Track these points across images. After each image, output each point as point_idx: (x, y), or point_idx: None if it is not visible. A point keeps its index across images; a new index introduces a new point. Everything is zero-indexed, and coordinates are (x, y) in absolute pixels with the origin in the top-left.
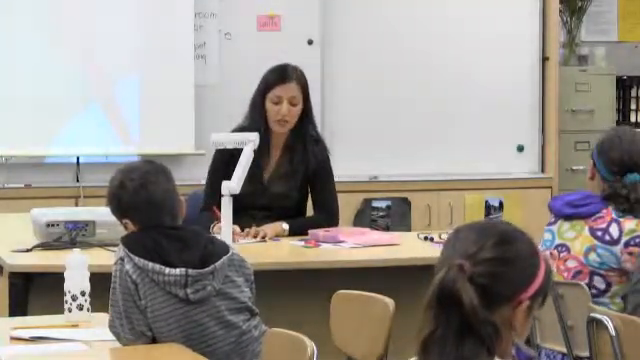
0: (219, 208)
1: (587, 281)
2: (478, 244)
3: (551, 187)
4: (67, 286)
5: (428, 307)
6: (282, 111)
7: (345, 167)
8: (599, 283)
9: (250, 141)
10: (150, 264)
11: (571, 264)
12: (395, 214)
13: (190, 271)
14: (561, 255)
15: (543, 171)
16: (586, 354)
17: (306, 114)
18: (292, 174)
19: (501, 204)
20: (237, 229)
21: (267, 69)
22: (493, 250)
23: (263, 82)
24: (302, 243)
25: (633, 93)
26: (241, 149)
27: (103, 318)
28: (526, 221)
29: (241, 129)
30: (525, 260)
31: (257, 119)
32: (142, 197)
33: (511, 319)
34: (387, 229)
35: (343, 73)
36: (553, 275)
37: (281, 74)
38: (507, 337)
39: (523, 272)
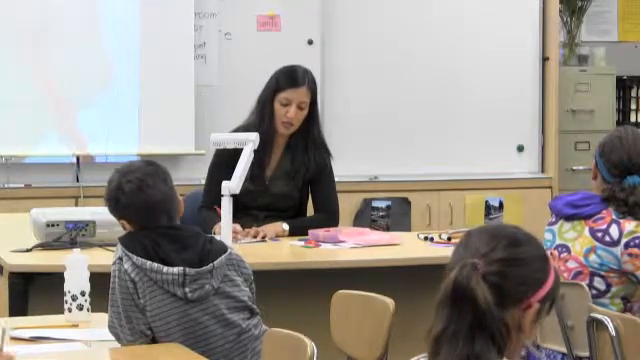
0: (219, 207)
1: (587, 282)
2: (490, 245)
3: (551, 187)
4: (67, 286)
5: (440, 305)
6: (289, 114)
7: (345, 167)
8: (599, 284)
9: (250, 141)
10: (148, 263)
11: (571, 265)
12: (395, 214)
13: (188, 270)
14: (561, 255)
15: (543, 171)
16: (586, 354)
17: (312, 117)
18: (293, 174)
19: (501, 204)
20: (238, 227)
21: (277, 69)
22: (505, 251)
23: (274, 82)
24: (302, 243)
25: (633, 93)
26: (242, 148)
27: (103, 318)
28: (526, 221)
29: (246, 126)
30: (535, 263)
31: (264, 118)
32: (139, 199)
33: (520, 321)
34: (387, 229)
35: (343, 73)
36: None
37: (293, 78)
38: (516, 338)
39: (533, 274)
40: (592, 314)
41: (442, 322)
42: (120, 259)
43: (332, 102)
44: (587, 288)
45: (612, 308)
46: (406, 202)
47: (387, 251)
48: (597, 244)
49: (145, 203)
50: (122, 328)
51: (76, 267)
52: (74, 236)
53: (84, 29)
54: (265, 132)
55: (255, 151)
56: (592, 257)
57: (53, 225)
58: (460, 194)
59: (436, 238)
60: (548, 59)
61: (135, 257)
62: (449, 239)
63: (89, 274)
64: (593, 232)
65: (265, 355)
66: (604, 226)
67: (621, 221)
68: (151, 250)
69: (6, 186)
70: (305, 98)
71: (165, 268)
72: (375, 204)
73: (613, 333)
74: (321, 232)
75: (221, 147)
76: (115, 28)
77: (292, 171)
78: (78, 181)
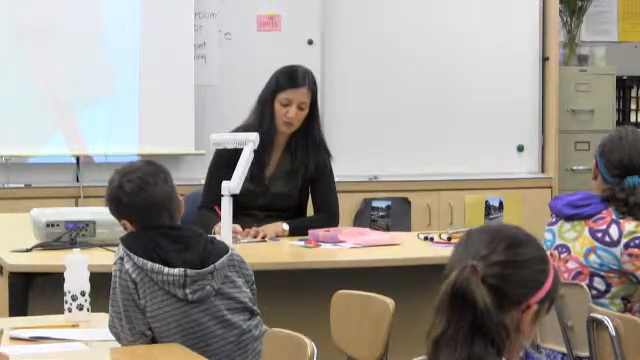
0: (218, 207)
1: (587, 282)
2: (490, 247)
3: (551, 187)
4: (67, 286)
5: (439, 307)
6: (289, 114)
7: (345, 167)
8: (599, 284)
9: (250, 141)
10: (149, 263)
11: (571, 265)
12: (395, 214)
13: (189, 271)
14: (561, 256)
15: (543, 171)
16: (586, 354)
17: (312, 117)
18: (293, 174)
19: (501, 204)
20: (238, 228)
21: (278, 69)
22: (504, 253)
23: (274, 82)
24: (302, 243)
25: (633, 93)
26: (242, 148)
27: (103, 318)
28: (526, 221)
29: (246, 126)
30: (535, 264)
31: (264, 117)
32: (140, 199)
33: (519, 322)
34: (387, 229)
35: (343, 73)
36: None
37: (294, 78)
38: (515, 339)
39: (533, 276)
40: (592, 314)
41: (441, 324)
42: (121, 259)
43: (332, 102)
44: (587, 288)
45: (612, 308)
46: (406, 202)
47: (387, 251)
48: (597, 244)
49: (146, 202)
50: (122, 328)
51: (76, 267)
52: (74, 236)
53: (84, 29)
54: (265, 132)
55: (255, 151)
56: (592, 257)
57: (53, 225)
58: (460, 194)
59: (436, 238)
60: (548, 59)
61: (136, 257)
62: (449, 239)
63: (89, 274)
64: (593, 232)
65: (265, 355)
66: (604, 226)
67: (621, 221)
68: (152, 250)
69: (6, 186)
70: (305, 98)
71: (166, 269)
72: (375, 204)
73: (613, 333)
74: (321, 232)
75: (221, 147)
76: (115, 28)
77: (292, 171)
78: (78, 181)
